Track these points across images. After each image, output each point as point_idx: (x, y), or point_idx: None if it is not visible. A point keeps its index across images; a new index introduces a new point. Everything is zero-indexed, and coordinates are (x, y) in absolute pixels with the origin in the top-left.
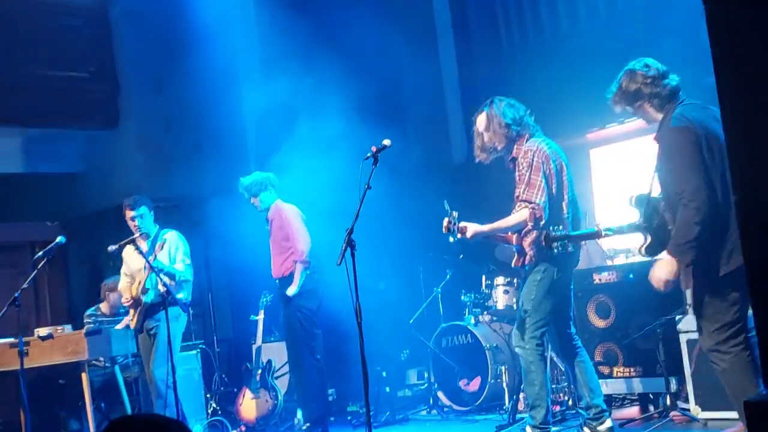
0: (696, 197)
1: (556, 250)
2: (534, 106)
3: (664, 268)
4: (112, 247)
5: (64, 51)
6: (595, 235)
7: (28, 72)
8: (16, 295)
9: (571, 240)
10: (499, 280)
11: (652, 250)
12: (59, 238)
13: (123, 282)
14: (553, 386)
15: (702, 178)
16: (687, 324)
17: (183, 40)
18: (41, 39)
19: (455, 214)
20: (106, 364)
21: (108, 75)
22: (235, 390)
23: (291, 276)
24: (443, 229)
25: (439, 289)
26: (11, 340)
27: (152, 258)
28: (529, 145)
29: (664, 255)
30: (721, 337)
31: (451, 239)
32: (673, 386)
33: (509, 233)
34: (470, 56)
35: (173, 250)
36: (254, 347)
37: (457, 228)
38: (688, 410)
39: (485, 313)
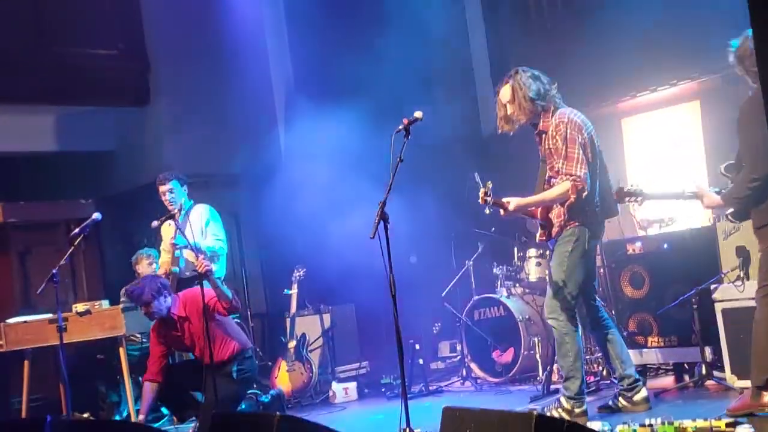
0: (754, 168)
1: (629, 202)
2: (564, 76)
3: (711, 201)
4: (154, 223)
5: (94, 29)
6: (677, 195)
7: (58, 51)
8: (53, 271)
9: (647, 198)
10: (531, 252)
11: (738, 215)
12: (95, 215)
13: (163, 257)
14: (587, 357)
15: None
16: (722, 293)
17: (212, 18)
18: (71, 18)
19: (490, 184)
20: (143, 339)
21: (138, 53)
22: (270, 364)
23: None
24: (479, 200)
25: (471, 262)
26: (50, 315)
27: (178, 234)
28: (559, 117)
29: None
30: None
31: (487, 211)
32: (708, 355)
33: (534, 208)
34: (499, 27)
35: (203, 223)
36: (288, 321)
37: (492, 200)
38: (724, 379)
39: (517, 285)
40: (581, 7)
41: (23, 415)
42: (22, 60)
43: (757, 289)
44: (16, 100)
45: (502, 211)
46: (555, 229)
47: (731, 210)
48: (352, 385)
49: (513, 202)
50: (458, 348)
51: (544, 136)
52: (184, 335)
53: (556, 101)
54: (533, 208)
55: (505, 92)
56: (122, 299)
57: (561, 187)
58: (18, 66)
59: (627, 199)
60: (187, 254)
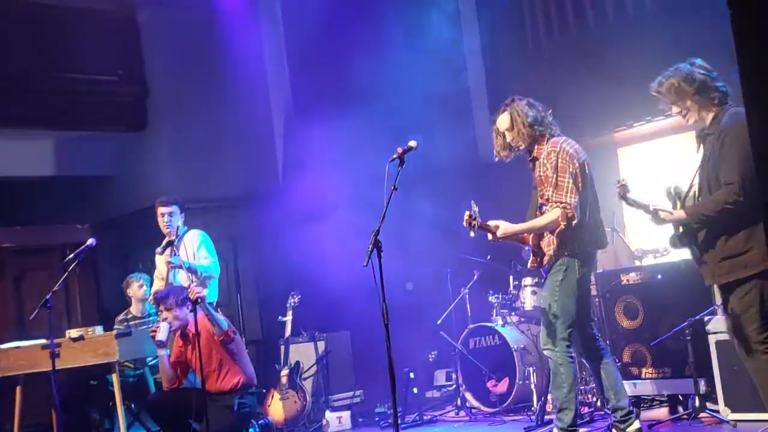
0: (741, 189)
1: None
2: (561, 106)
3: (670, 215)
4: (158, 250)
5: (94, 55)
6: (645, 207)
7: (57, 76)
8: (47, 297)
9: (628, 199)
10: (527, 280)
11: (684, 238)
12: (90, 241)
13: (156, 285)
14: (582, 387)
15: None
16: (716, 325)
17: (211, 44)
18: (71, 43)
19: (476, 208)
20: (137, 366)
21: (136, 78)
22: (264, 391)
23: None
24: (464, 223)
25: (467, 290)
26: (43, 341)
27: (170, 256)
28: (551, 145)
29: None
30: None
31: (472, 234)
32: (702, 387)
33: (525, 234)
34: (496, 53)
35: (195, 247)
36: (282, 348)
37: (479, 223)
38: (718, 412)
39: (513, 314)
40: (578, 37)
41: None
42: (22, 84)
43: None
44: (14, 124)
45: (489, 236)
46: (546, 258)
47: (677, 232)
48: (346, 414)
49: (502, 227)
50: (454, 377)
51: (536, 162)
52: (191, 354)
53: (551, 129)
54: (524, 234)
55: (502, 120)
56: (116, 326)
57: (551, 214)
58: (17, 90)
59: (616, 184)
60: (182, 279)
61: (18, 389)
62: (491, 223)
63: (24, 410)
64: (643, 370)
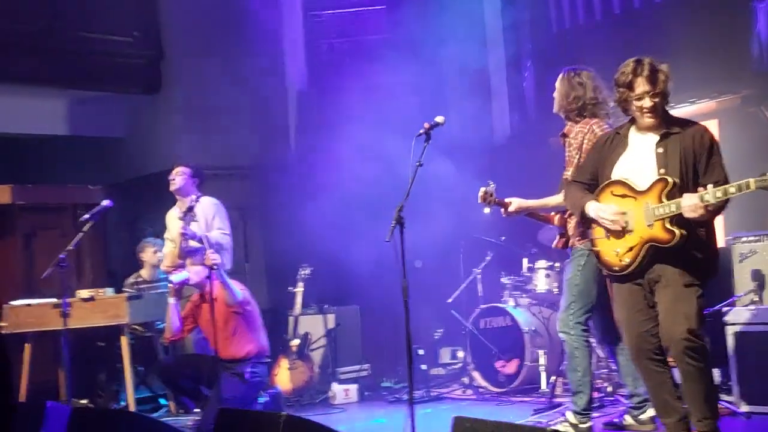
0: None
1: None
2: None
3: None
4: (179, 214)
5: (110, 15)
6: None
7: (73, 36)
8: (61, 256)
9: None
10: (541, 263)
11: None
12: (105, 202)
13: (168, 247)
14: (593, 372)
15: None
16: (734, 316)
17: (227, 9)
18: (87, 3)
19: (493, 185)
20: (145, 329)
21: (152, 40)
22: (272, 360)
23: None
24: (479, 199)
25: (479, 270)
26: (54, 300)
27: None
28: (582, 126)
29: None
30: None
31: (486, 210)
32: (717, 378)
33: (552, 214)
34: (518, 32)
35: (209, 217)
36: (291, 319)
37: (494, 200)
38: (732, 403)
39: (525, 296)
40: (604, 19)
41: (22, 398)
42: (37, 43)
43: None
44: (29, 82)
45: (502, 211)
46: (571, 241)
47: None
48: (353, 387)
49: (515, 202)
50: (459, 355)
51: (565, 140)
52: (207, 317)
53: (595, 110)
54: (544, 213)
55: (558, 80)
56: (125, 289)
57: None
58: (32, 48)
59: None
60: (195, 245)
61: (27, 347)
62: (506, 200)
63: (32, 368)
64: None
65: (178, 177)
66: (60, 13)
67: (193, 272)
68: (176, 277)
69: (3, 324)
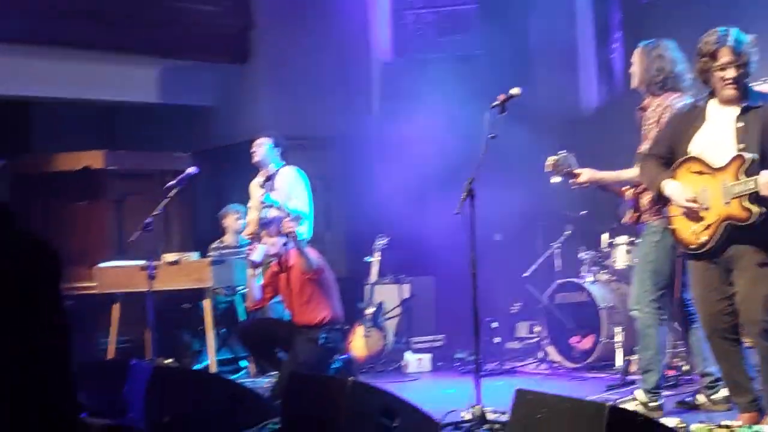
0: None
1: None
2: None
3: None
4: (259, 181)
5: None
6: None
7: (165, 5)
8: (148, 220)
9: None
10: (621, 239)
11: None
12: (191, 169)
13: (251, 215)
14: (670, 350)
15: None
16: None
17: None
18: None
19: (564, 153)
20: (228, 293)
21: (242, 11)
22: (347, 327)
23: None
24: (546, 167)
25: (557, 245)
26: (141, 262)
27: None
28: (661, 99)
29: None
30: None
31: (554, 180)
32: None
33: (624, 188)
34: (607, 2)
35: (289, 185)
36: (367, 288)
37: (564, 169)
38: None
39: (603, 272)
40: None
41: (109, 356)
42: (130, 12)
43: None
44: (122, 51)
45: (570, 181)
46: (644, 216)
47: None
48: (426, 357)
49: (585, 173)
50: (536, 330)
51: (643, 114)
52: (284, 284)
53: (676, 84)
54: (616, 187)
55: (635, 54)
56: (209, 254)
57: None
58: (126, 18)
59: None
60: (274, 213)
61: (115, 307)
62: (576, 170)
63: (120, 327)
64: None
65: (259, 149)
66: None
67: (270, 243)
68: (256, 255)
69: (93, 284)
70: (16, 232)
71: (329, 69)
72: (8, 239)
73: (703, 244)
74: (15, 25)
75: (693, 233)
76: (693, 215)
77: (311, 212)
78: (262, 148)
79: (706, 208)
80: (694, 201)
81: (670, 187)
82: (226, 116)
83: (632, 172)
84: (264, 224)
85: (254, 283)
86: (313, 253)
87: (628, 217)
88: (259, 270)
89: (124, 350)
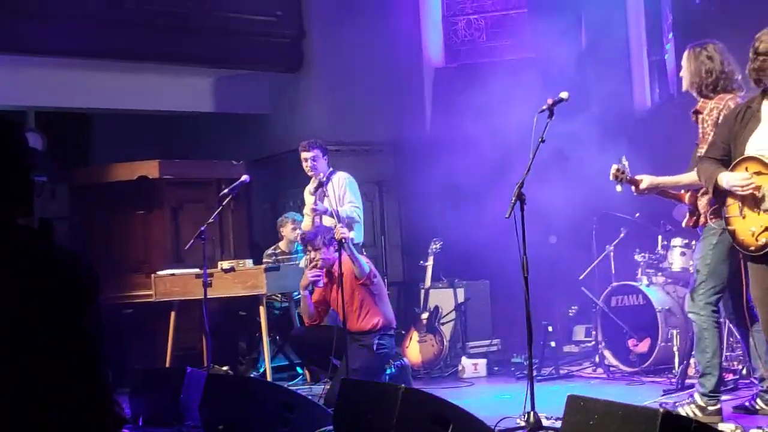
0: None
1: None
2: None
3: None
4: (311, 189)
5: None
6: None
7: (219, 15)
8: (201, 228)
9: None
10: (677, 241)
11: None
12: (244, 177)
13: (306, 221)
14: (728, 354)
15: None
16: None
17: None
18: None
19: (625, 162)
20: (283, 300)
21: (294, 20)
22: (403, 332)
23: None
24: (610, 176)
25: (612, 247)
26: (197, 270)
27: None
28: (717, 101)
29: None
30: None
31: (618, 188)
32: None
33: (682, 192)
34: (660, 3)
35: (342, 191)
36: (422, 292)
37: (626, 177)
38: None
39: (659, 274)
40: None
41: (167, 363)
42: (185, 23)
43: None
44: (177, 61)
45: (633, 188)
46: (702, 219)
47: None
48: (482, 362)
49: (646, 180)
50: (593, 333)
51: (699, 117)
52: (335, 292)
53: (729, 84)
54: (675, 191)
55: (683, 58)
56: (264, 260)
57: (696, 172)
58: (181, 29)
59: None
60: (327, 221)
61: (172, 314)
62: (637, 177)
63: (177, 335)
64: None
65: (306, 163)
66: None
67: (317, 257)
68: (303, 282)
69: (150, 292)
70: (48, 249)
71: (381, 75)
72: (40, 256)
73: (763, 246)
74: (73, 38)
75: (752, 235)
76: (751, 211)
77: (362, 217)
78: (310, 162)
79: (767, 209)
80: (751, 182)
81: (725, 177)
82: (281, 124)
83: (691, 177)
84: (308, 240)
85: (309, 301)
86: (364, 259)
87: (686, 220)
88: (309, 289)
89: (181, 358)
